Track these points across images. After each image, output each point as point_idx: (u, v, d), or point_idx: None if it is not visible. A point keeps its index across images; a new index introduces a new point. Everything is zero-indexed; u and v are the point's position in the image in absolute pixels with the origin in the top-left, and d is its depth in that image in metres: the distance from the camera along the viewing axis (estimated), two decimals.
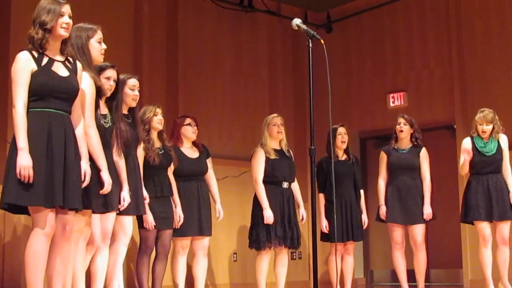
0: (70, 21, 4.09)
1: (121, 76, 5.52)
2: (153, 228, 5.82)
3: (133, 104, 5.51)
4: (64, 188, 3.92)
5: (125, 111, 5.48)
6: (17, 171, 3.77)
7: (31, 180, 3.79)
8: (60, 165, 3.93)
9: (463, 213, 6.81)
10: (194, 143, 6.49)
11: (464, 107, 8.79)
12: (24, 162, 3.79)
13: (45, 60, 3.99)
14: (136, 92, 5.51)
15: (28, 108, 3.91)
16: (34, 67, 3.94)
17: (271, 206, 6.43)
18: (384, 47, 9.69)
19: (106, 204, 4.52)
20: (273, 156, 6.55)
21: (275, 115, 6.75)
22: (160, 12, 8.56)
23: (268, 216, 6.38)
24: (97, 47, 4.53)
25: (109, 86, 4.86)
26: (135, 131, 5.43)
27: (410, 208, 6.86)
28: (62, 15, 4.03)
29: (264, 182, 6.51)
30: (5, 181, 3.88)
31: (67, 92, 4.02)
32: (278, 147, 6.67)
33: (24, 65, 3.91)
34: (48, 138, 3.91)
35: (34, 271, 3.85)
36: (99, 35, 4.55)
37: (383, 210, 6.89)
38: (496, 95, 8.50)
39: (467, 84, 8.85)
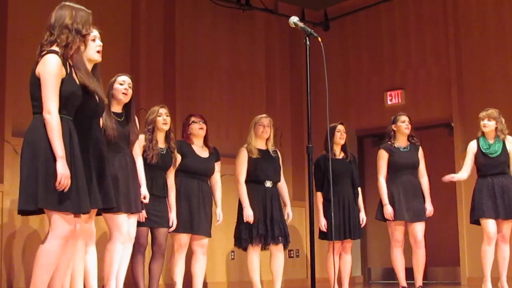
0: None
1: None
2: (143, 220, 5.76)
3: (124, 99, 5.46)
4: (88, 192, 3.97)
5: (119, 109, 5.47)
6: (59, 179, 3.75)
7: (67, 188, 3.80)
8: (82, 170, 3.95)
9: (470, 214, 6.84)
10: (206, 144, 6.49)
11: (461, 105, 8.80)
12: (65, 172, 3.78)
13: (68, 67, 3.97)
14: (126, 86, 5.47)
15: None
16: (64, 73, 3.92)
17: (254, 204, 6.46)
18: (382, 45, 9.70)
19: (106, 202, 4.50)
20: (255, 155, 6.57)
21: (263, 115, 6.77)
22: (157, 10, 8.56)
23: (248, 215, 6.41)
24: (92, 45, 4.51)
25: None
26: (124, 128, 5.40)
27: (415, 206, 6.88)
28: (91, 25, 4.05)
29: (248, 181, 6.54)
30: (31, 185, 3.81)
31: (80, 100, 4.05)
32: (263, 147, 6.68)
33: (59, 70, 3.88)
34: (70, 145, 3.91)
35: (43, 271, 3.83)
36: (93, 33, 4.53)
37: (389, 209, 6.83)
38: (493, 93, 8.51)
39: (464, 82, 8.86)
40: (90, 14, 4.06)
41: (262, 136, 6.65)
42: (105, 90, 5.02)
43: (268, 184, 6.61)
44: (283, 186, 6.79)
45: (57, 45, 3.94)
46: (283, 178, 6.82)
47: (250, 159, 6.57)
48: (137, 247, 5.88)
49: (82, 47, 4.23)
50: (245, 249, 6.55)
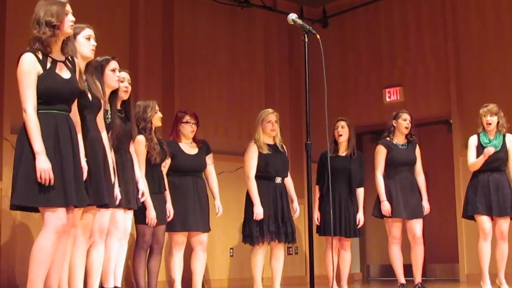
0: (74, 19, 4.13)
1: None
2: (154, 225, 5.80)
3: (125, 96, 5.47)
4: (75, 187, 3.96)
5: (117, 106, 5.45)
6: (38, 174, 3.80)
7: (51, 183, 3.83)
8: (70, 164, 3.97)
9: (463, 208, 6.84)
10: (194, 139, 6.47)
11: (460, 101, 8.80)
12: (44, 166, 3.82)
13: (49, 62, 4.00)
14: (126, 84, 5.47)
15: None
16: (40, 69, 3.95)
17: (264, 201, 6.41)
18: (380, 42, 9.70)
19: (99, 198, 4.49)
20: (266, 151, 6.52)
21: (270, 111, 6.68)
22: (156, 8, 8.55)
23: (258, 212, 6.36)
24: (85, 43, 4.53)
25: (116, 77, 4.92)
26: (127, 125, 5.40)
27: (412, 203, 6.87)
28: (67, 14, 4.06)
29: (257, 177, 6.48)
30: (17, 183, 3.90)
31: (70, 94, 4.06)
32: (271, 142, 6.63)
33: (31, 67, 3.92)
34: (55, 139, 3.94)
35: (38, 267, 3.85)
36: (86, 32, 4.55)
37: (386, 206, 6.80)
38: (492, 89, 8.52)
39: (463, 79, 8.86)
40: (65, 4, 4.07)
41: (271, 133, 6.58)
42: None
43: (278, 180, 6.59)
44: (289, 181, 6.75)
45: (34, 42, 3.99)
46: (289, 173, 6.82)
47: (260, 155, 6.50)
48: (141, 244, 5.91)
49: (77, 43, 4.31)
50: (254, 245, 6.51)
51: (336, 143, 7.09)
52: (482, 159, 6.60)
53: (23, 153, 3.89)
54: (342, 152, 7.10)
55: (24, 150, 3.89)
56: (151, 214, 5.76)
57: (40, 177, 3.80)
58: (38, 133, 3.86)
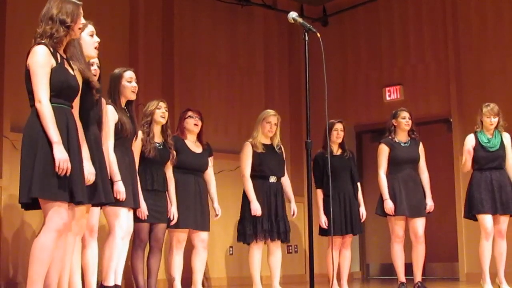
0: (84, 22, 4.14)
1: (116, 70, 5.54)
2: (145, 218, 5.78)
3: (133, 97, 5.50)
4: (81, 183, 3.96)
5: (122, 105, 5.47)
6: (57, 164, 3.75)
7: (68, 172, 3.80)
8: (77, 160, 3.95)
9: (467, 208, 6.83)
10: (199, 139, 6.49)
11: (460, 100, 8.81)
12: (63, 156, 3.78)
13: (59, 57, 4.00)
14: (134, 84, 5.51)
15: None
16: (53, 62, 3.94)
17: (258, 200, 6.45)
18: (380, 40, 9.70)
19: (104, 196, 4.50)
20: (260, 150, 6.56)
21: (272, 112, 6.69)
22: (155, 6, 8.55)
23: (255, 208, 6.40)
24: (88, 40, 4.54)
25: (93, 71, 4.90)
26: (132, 125, 5.41)
27: (416, 201, 6.87)
28: (80, 16, 4.06)
29: (252, 176, 6.54)
30: (27, 177, 3.83)
31: (76, 90, 4.06)
32: (268, 142, 6.67)
33: (46, 59, 3.90)
34: (67, 134, 3.92)
35: (39, 266, 3.84)
36: (89, 28, 4.56)
37: (389, 204, 6.79)
38: (491, 88, 8.53)
39: (463, 77, 8.87)
40: (80, 6, 4.08)
41: (267, 134, 6.64)
42: (105, 84, 5.04)
43: (272, 179, 6.61)
44: (287, 182, 6.78)
45: (44, 37, 3.96)
46: (286, 174, 6.82)
47: (255, 154, 6.55)
48: (138, 243, 5.90)
49: (82, 41, 4.29)
50: (249, 244, 6.55)
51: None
52: (467, 161, 6.72)
53: (36, 146, 3.82)
54: (336, 152, 7.12)
55: (36, 143, 3.83)
56: (141, 208, 5.74)
57: (58, 167, 3.75)
58: (54, 124, 3.83)
